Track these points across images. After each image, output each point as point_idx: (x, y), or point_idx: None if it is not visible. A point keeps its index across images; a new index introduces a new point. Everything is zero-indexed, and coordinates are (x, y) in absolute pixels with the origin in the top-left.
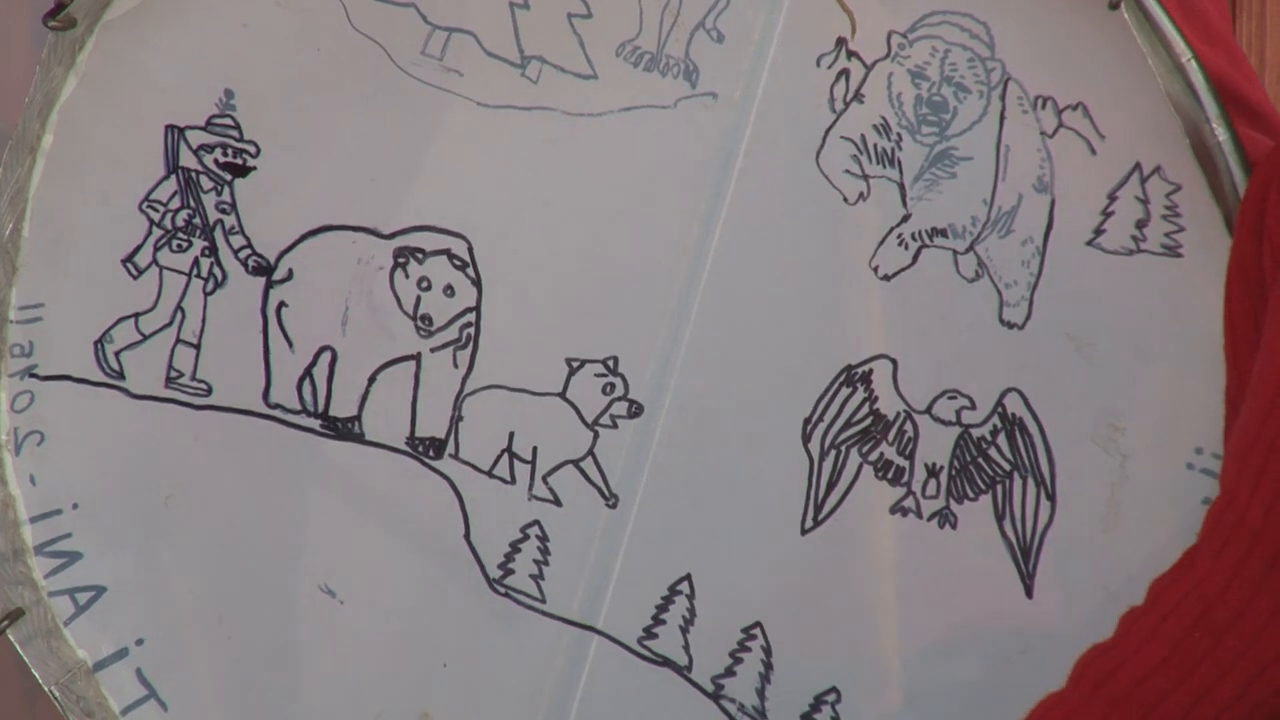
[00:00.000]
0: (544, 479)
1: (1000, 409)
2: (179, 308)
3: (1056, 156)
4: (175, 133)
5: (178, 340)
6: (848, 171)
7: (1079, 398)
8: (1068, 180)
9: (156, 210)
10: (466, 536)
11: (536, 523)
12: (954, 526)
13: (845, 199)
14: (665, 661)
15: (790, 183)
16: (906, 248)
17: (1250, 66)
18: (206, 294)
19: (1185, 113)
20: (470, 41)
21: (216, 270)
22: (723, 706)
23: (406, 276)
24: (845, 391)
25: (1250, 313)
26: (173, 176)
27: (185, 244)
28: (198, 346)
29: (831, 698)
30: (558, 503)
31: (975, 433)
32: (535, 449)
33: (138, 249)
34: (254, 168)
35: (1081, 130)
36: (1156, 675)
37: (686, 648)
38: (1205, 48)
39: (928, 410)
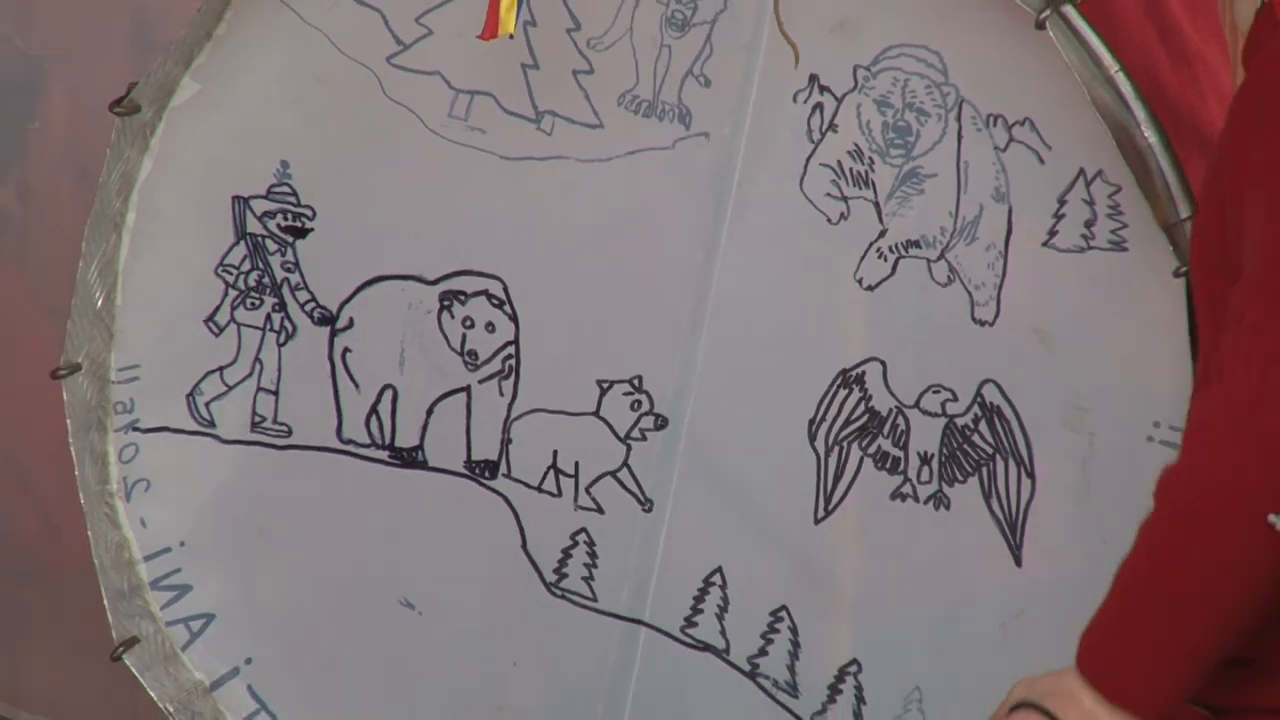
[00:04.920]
0: (587, 490)
1: (979, 399)
2: (257, 359)
3: (1010, 168)
4: (241, 203)
5: (258, 388)
6: (828, 194)
7: (1047, 384)
8: (1022, 189)
9: (230, 273)
10: (524, 546)
11: (584, 530)
12: (948, 507)
13: (828, 219)
14: (706, 646)
15: (779, 208)
16: (885, 259)
17: (1229, 84)
18: (280, 345)
19: (1117, 119)
20: (490, 102)
21: (287, 323)
22: (759, 683)
23: (452, 317)
24: (843, 393)
25: (1219, 291)
26: (242, 242)
27: (258, 302)
28: (276, 393)
29: (853, 669)
30: (600, 510)
31: (959, 422)
32: (577, 464)
33: (217, 309)
34: (312, 229)
35: (1030, 143)
36: (1225, 488)
37: (723, 633)
38: (1173, 72)
39: (916, 404)
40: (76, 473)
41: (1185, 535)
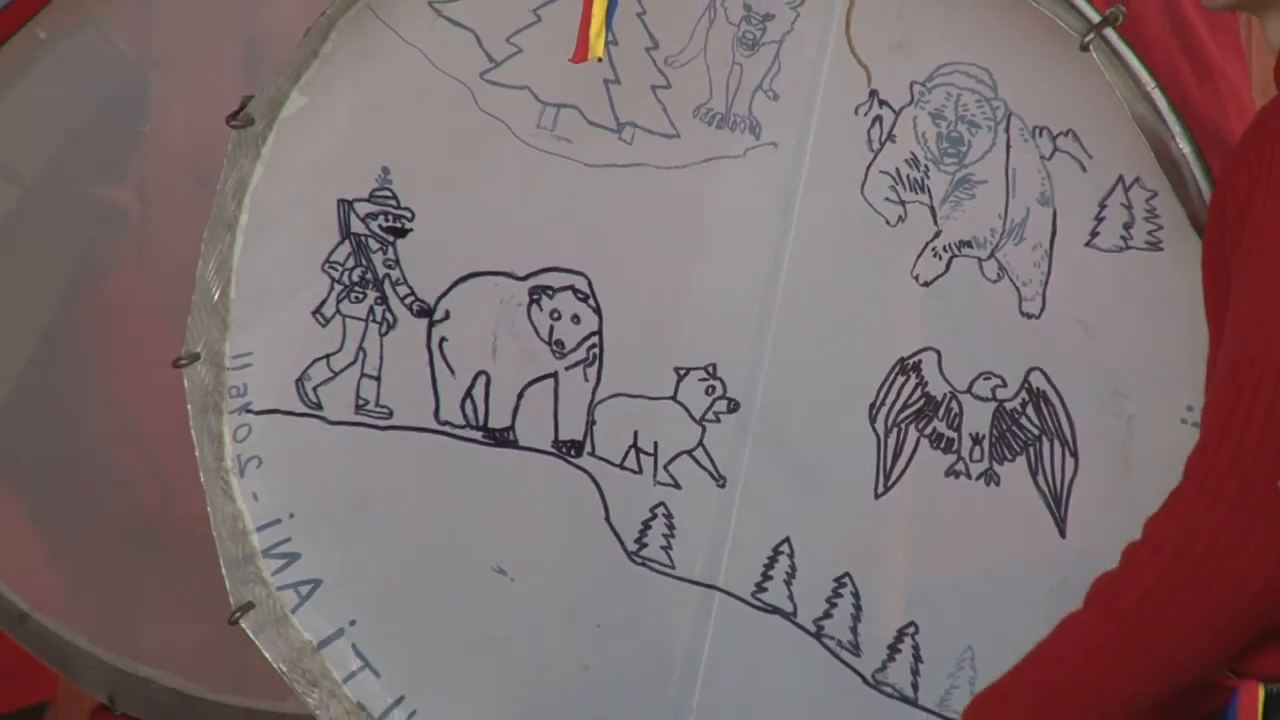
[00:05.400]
0: (665, 467)
1: (1027, 385)
2: (361, 348)
3: (1055, 175)
4: (345, 205)
5: (362, 374)
6: (887, 199)
7: (1089, 372)
8: (1065, 194)
9: (336, 269)
10: (607, 519)
11: (662, 503)
12: (998, 484)
13: (887, 222)
14: (775, 609)
15: (842, 212)
16: (940, 258)
17: (1248, 98)
18: (382, 335)
19: (1154, 132)
20: (575, 114)
21: (388, 315)
22: (824, 643)
23: (540, 310)
24: (901, 379)
25: (1220, 292)
26: (346, 241)
27: (361, 295)
28: (378, 378)
29: (910, 630)
30: (677, 486)
31: (1008, 406)
32: (656, 443)
33: (324, 302)
34: (411, 229)
35: (1073, 152)
36: (1153, 595)
37: (791, 597)
38: (1197, 87)
39: (968, 390)
40: (196, 452)
41: (1112, 635)
